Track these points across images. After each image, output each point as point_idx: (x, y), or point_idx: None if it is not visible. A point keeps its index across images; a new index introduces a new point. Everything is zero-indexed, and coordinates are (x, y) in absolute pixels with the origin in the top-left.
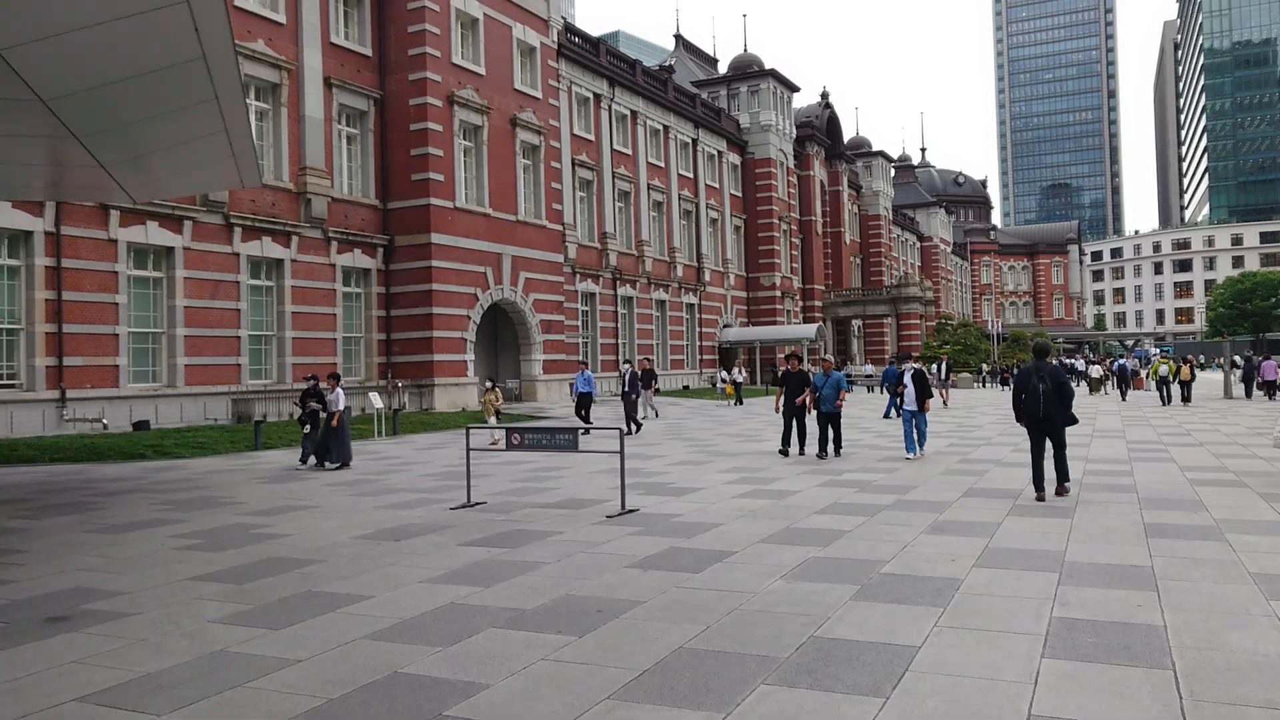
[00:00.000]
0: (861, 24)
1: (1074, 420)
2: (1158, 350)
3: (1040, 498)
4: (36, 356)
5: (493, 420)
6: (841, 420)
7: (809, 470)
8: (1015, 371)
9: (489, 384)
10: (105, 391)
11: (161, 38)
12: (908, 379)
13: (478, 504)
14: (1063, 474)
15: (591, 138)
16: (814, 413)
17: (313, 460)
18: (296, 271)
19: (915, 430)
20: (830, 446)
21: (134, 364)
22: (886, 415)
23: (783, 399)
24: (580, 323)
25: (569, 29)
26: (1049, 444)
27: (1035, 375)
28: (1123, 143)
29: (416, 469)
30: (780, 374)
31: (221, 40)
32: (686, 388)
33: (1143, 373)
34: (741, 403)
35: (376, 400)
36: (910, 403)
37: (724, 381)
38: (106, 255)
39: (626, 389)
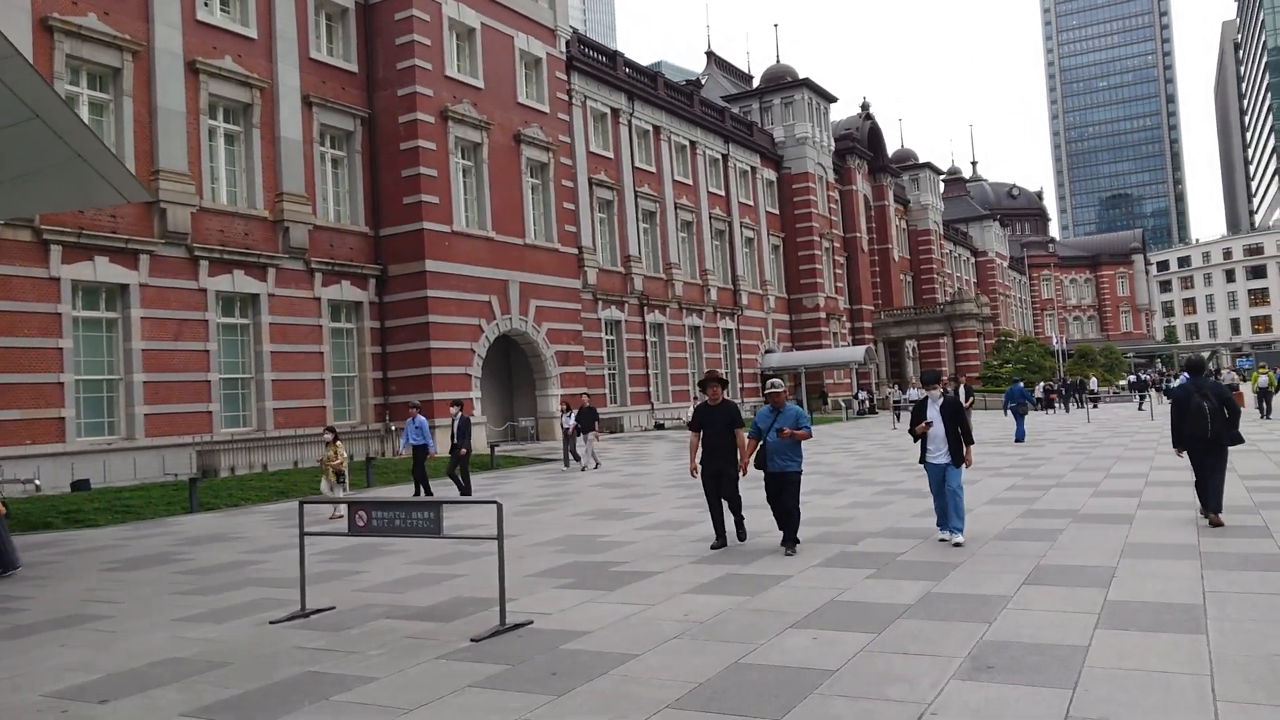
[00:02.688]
0: (901, 37)
1: (1241, 439)
2: (1243, 361)
3: (1208, 512)
4: None
5: (326, 487)
6: (800, 487)
7: (812, 542)
8: (1165, 391)
9: (329, 435)
10: (47, 448)
11: None
12: (933, 412)
13: (318, 611)
14: (1216, 502)
15: (610, 155)
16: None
17: None
18: (275, 307)
19: (949, 495)
20: (790, 531)
21: (84, 415)
22: (1018, 439)
23: (699, 455)
24: (604, 353)
25: (581, 40)
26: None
27: (1197, 393)
28: (1184, 148)
29: (330, 541)
30: (693, 411)
31: None
32: None
33: (1242, 386)
34: None
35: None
36: (938, 451)
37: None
38: (47, 296)
39: (456, 438)
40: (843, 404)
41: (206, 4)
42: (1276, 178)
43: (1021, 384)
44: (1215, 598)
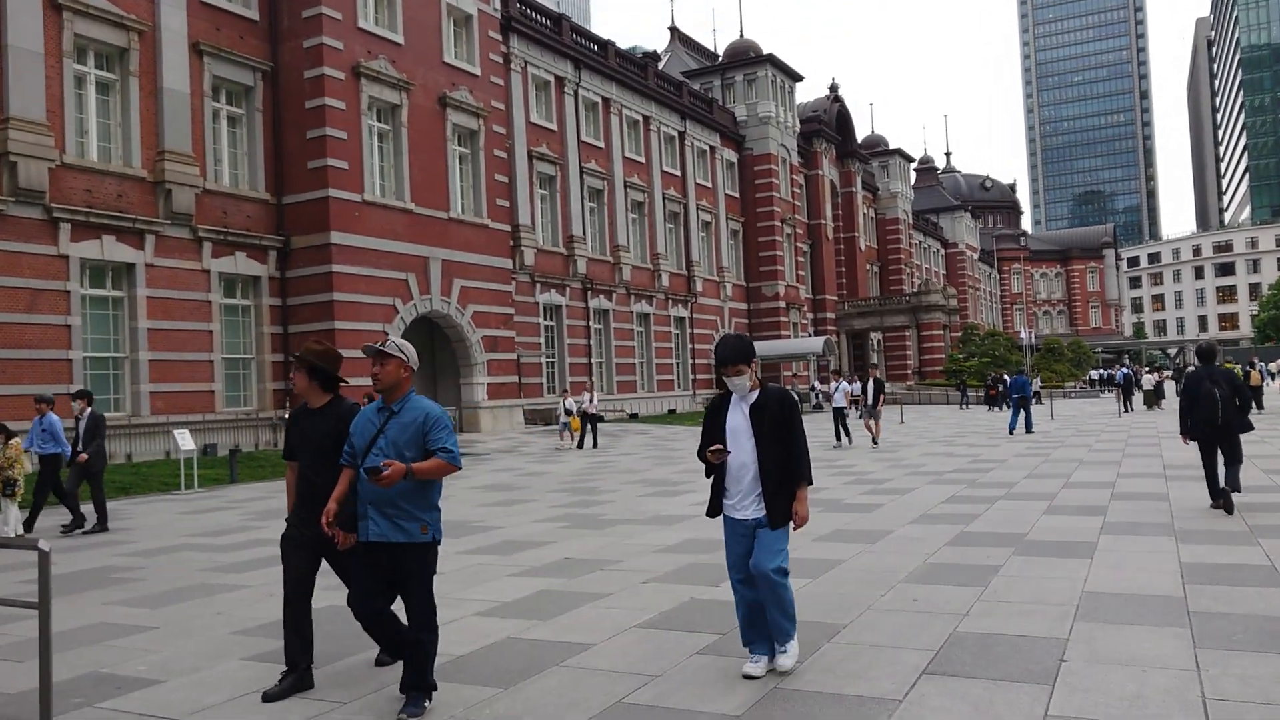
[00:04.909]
0: (876, 22)
1: (1251, 427)
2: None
3: (1218, 505)
4: None
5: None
6: (433, 576)
7: (658, 581)
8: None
9: (3, 436)
10: None
11: None
12: (737, 419)
13: None
14: (1234, 487)
15: (554, 127)
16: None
17: None
18: (154, 279)
19: (763, 583)
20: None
21: None
22: (1012, 429)
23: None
24: (543, 339)
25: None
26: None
27: (1208, 380)
28: (1157, 145)
29: (115, 548)
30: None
31: None
32: (672, 411)
33: None
34: (583, 444)
35: (184, 440)
36: (742, 498)
37: (567, 414)
38: None
39: (80, 443)
40: (798, 397)
41: None
42: (1247, 175)
43: (1025, 376)
44: (1224, 710)
